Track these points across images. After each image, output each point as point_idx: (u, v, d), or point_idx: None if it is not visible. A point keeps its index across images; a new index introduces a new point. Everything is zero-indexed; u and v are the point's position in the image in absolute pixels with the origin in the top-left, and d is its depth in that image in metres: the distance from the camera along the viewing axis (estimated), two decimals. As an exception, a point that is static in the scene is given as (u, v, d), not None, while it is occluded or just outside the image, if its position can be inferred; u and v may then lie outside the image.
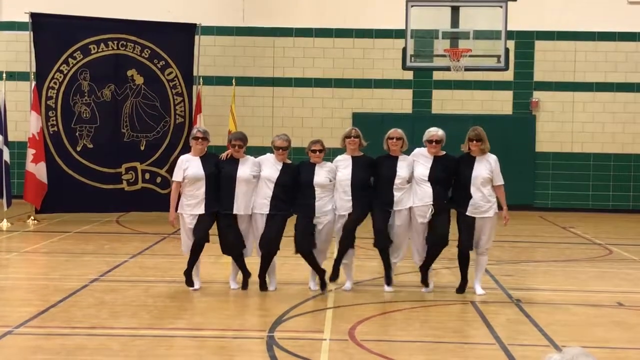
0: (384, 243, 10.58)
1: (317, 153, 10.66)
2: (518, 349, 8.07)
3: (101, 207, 18.18)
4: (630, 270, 13.02)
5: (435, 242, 10.57)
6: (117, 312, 9.46)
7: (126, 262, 12.79)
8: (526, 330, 8.96)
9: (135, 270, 12.21)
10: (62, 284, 10.98)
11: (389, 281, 10.73)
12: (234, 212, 10.50)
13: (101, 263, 12.62)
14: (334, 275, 10.64)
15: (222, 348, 8.16)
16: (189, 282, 10.62)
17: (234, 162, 10.63)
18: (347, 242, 10.54)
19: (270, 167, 10.62)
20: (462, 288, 10.75)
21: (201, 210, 10.48)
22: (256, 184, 10.57)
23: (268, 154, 10.80)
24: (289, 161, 10.78)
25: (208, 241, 10.63)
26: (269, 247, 10.50)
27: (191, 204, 10.53)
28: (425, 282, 10.79)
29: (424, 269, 10.74)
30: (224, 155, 10.72)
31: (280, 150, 10.63)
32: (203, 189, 10.50)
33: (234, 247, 10.58)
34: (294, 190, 10.59)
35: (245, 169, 10.56)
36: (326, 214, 10.53)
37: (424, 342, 8.54)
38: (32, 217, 17.54)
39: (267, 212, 10.49)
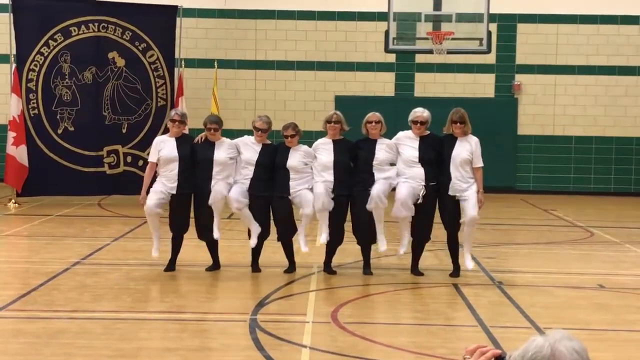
0: (368, 240, 10.63)
1: (289, 138, 10.60)
2: (500, 331, 8.10)
3: (83, 190, 18.08)
4: (611, 252, 13.09)
5: (417, 241, 10.67)
6: (98, 295, 9.43)
7: (108, 246, 12.74)
8: (508, 312, 9.00)
9: (117, 253, 12.18)
10: (44, 267, 10.94)
11: (367, 269, 10.73)
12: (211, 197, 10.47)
13: (83, 246, 12.57)
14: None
15: (204, 331, 8.16)
16: (169, 268, 10.70)
17: (209, 145, 10.62)
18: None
19: (249, 149, 10.60)
20: (456, 272, 10.70)
21: (174, 190, 10.50)
22: (233, 166, 10.59)
23: (246, 136, 10.80)
24: (268, 141, 10.76)
25: (186, 231, 10.70)
26: (262, 238, 10.61)
27: (166, 184, 10.56)
28: (417, 273, 10.72)
29: (415, 265, 10.75)
30: (198, 138, 10.71)
31: (260, 132, 10.60)
32: (176, 170, 10.52)
33: (209, 233, 10.58)
34: (274, 171, 10.62)
35: (221, 152, 10.55)
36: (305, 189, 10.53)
37: (406, 325, 8.57)
38: (13, 201, 17.44)
39: (246, 192, 10.50)
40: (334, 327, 8.21)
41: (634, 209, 19.12)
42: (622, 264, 12.11)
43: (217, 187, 10.42)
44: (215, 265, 10.82)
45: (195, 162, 10.57)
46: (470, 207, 10.44)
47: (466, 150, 10.48)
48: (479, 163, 10.54)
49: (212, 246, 10.80)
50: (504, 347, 7.32)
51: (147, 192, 10.59)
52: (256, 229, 10.53)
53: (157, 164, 10.68)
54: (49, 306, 8.87)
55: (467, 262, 10.64)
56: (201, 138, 10.69)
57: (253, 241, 10.56)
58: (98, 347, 7.37)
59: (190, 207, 10.74)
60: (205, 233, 10.66)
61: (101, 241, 13.07)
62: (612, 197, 21.23)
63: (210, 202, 10.43)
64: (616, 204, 20.01)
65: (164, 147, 10.63)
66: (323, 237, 10.45)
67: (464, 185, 10.45)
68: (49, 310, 8.68)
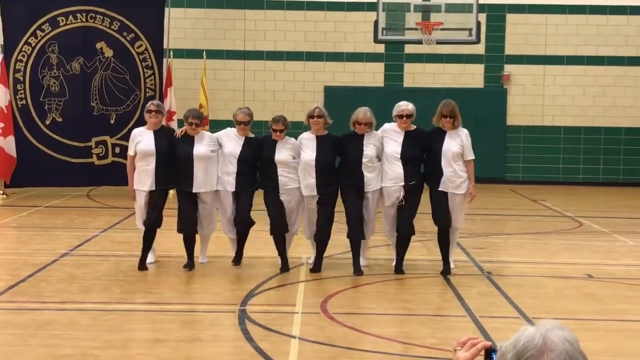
0: (359, 235, 10.29)
1: (278, 133, 10.25)
2: (489, 321, 8.12)
3: (71, 181, 18.04)
4: (599, 242, 13.12)
5: (401, 236, 10.28)
6: (87, 286, 9.40)
7: (97, 237, 12.71)
8: (497, 303, 9.02)
9: (105, 244, 12.14)
10: (32, 258, 10.90)
11: (358, 269, 10.27)
12: (193, 190, 10.22)
13: (71, 237, 12.54)
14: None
15: (193, 322, 8.15)
16: (142, 266, 10.29)
17: (189, 140, 10.29)
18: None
19: (232, 142, 10.32)
20: (446, 270, 10.27)
21: (151, 186, 10.19)
22: (215, 159, 10.30)
23: (228, 129, 10.53)
24: (251, 134, 10.48)
25: (160, 226, 10.35)
26: (246, 226, 10.37)
27: (142, 180, 10.24)
28: (400, 271, 10.28)
29: (399, 261, 10.32)
30: (178, 133, 10.42)
31: (242, 125, 10.32)
32: (153, 165, 10.19)
33: (189, 226, 10.30)
34: (258, 165, 10.40)
35: (201, 146, 10.25)
36: (291, 191, 10.25)
37: (395, 315, 8.58)
38: (1, 192, 17.39)
39: (233, 190, 10.27)
40: (323, 317, 8.20)
41: (622, 199, 19.18)
42: (611, 254, 12.14)
43: (210, 228, 10.52)
44: (191, 263, 10.37)
45: (176, 157, 10.27)
46: (455, 217, 10.21)
47: (457, 143, 10.19)
48: (470, 156, 10.27)
49: (189, 242, 10.40)
50: (493, 337, 7.33)
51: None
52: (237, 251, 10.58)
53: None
54: (37, 297, 8.84)
55: (447, 265, 10.31)
56: (181, 132, 10.37)
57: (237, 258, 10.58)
58: (87, 339, 7.35)
59: (165, 202, 10.47)
60: (183, 227, 10.34)
61: (90, 232, 13.03)
62: (601, 187, 21.28)
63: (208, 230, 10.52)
64: (605, 194, 20.06)
65: (141, 140, 10.29)
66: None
67: (458, 181, 10.17)
68: (38, 302, 8.65)
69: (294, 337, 7.48)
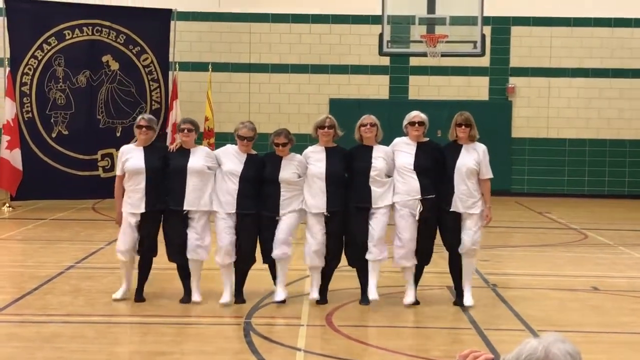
0: (362, 258, 9.45)
1: (281, 147, 9.32)
2: (494, 334, 8.11)
3: (77, 194, 18.08)
4: (605, 254, 13.11)
5: (416, 266, 9.44)
6: (92, 299, 9.42)
7: (102, 249, 12.73)
8: (502, 315, 9.01)
9: (111, 257, 12.12)
10: (38, 271, 10.92)
11: (365, 296, 9.45)
12: (184, 207, 9.21)
13: (77, 250, 12.56)
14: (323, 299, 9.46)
15: (198, 335, 8.16)
16: (139, 297, 9.43)
17: (184, 153, 9.34)
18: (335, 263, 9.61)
19: (233, 159, 9.32)
20: (460, 299, 9.39)
21: (142, 208, 9.25)
22: (212, 177, 9.29)
23: (228, 145, 9.55)
24: (253, 152, 9.47)
25: (155, 255, 9.49)
26: (247, 264, 9.43)
27: (132, 202, 9.28)
28: (415, 301, 9.44)
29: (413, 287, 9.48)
30: (173, 147, 9.52)
31: (245, 141, 9.31)
32: (143, 185, 9.21)
33: (181, 253, 9.33)
34: (261, 185, 9.36)
35: (197, 159, 9.28)
36: (292, 212, 9.35)
37: (400, 327, 8.57)
38: (7, 204, 17.43)
39: (234, 211, 9.22)
40: (328, 330, 8.21)
41: (627, 212, 19.16)
42: (616, 266, 12.13)
43: (200, 253, 9.31)
44: (187, 297, 9.42)
45: (168, 173, 9.32)
46: (468, 239, 9.28)
47: (472, 159, 9.31)
48: (488, 174, 9.39)
49: (184, 271, 9.47)
50: (498, 349, 7.34)
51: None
52: (230, 291, 9.39)
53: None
54: (43, 310, 8.86)
55: (465, 298, 9.34)
56: (176, 146, 9.47)
57: (224, 298, 9.34)
58: (92, 351, 7.37)
59: (159, 227, 9.46)
60: (176, 254, 9.39)
61: (95, 245, 13.05)
62: (606, 200, 21.26)
63: (201, 258, 9.37)
64: (610, 207, 20.04)
65: (129, 158, 9.30)
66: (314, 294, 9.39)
67: (470, 201, 9.29)
68: (43, 314, 8.67)
69: (299, 349, 7.49)
